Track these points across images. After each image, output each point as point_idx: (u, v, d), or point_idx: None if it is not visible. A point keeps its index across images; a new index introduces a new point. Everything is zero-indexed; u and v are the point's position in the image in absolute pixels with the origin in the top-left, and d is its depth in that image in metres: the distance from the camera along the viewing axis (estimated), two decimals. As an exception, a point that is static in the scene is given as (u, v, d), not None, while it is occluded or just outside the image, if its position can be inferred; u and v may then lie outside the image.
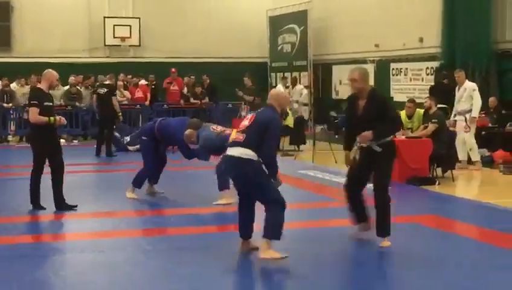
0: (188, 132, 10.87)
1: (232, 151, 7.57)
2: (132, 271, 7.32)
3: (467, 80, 15.31)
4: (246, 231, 7.78)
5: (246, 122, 7.69)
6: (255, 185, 7.49)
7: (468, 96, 14.98)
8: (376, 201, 8.05)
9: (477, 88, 15.07)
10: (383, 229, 8.03)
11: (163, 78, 24.41)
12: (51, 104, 10.44)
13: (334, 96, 25.44)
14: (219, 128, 11.02)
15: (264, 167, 7.46)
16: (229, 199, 10.74)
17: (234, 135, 10.85)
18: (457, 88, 15.30)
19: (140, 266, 7.49)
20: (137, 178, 11.51)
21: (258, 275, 7.29)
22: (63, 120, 10.50)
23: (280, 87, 23.20)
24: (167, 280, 7.02)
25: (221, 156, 8.02)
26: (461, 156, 15.00)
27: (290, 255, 7.42)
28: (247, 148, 7.44)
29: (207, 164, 11.57)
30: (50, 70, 10.49)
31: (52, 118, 10.15)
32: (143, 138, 11.72)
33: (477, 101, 14.96)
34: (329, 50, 25.37)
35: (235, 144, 7.59)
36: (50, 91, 10.60)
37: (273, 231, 7.36)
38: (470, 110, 14.83)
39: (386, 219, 8.03)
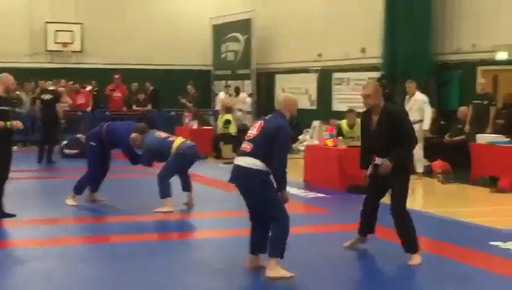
0: (133, 135, 10.97)
1: (240, 161, 7.13)
2: (69, 279, 7.23)
3: (418, 92, 15.53)
4: (257, 247, 7.38)
5: (253, 131, 7.19)
6: (261, 198, 7.10)
7: (418, 108, 15.20)
8: (394, 221, 7.78)
9: (428, 101, 15.32)
10: (408, 245, 7.75)
11: (105, 84, 24.23)
12: (7, 108, 10.23)
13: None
14: (163, 134, 11.14)
15: (273, 179, 7.07)
16: (170, 207, 10.72)
17: (179, 141, 10.95)
18: (406, 99, 15.51)
19: (77, 275, 7.39)
20: (78, 185, 11.37)
21: (197, 284, 7.26)
22: (20, 124, 10.29)
23: (222, 95, 23.27)
24: (103, 288, 6.95)
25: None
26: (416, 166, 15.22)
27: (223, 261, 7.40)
28: (255, 158, 7.00)
29: (148, 171, 11.52)
30: (5, 74, 10.29)
31: (8, 123, 9.95)
32: (91, 143, 11.54)
33: (429, 114, 15.21)
34: (272, 59, 25.48)
35: (243, 153, 7.12)
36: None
37: (277, 249, 7.03)
38: (418, 122, 15.01)
39: (409, 235, 7.74)
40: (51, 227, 9.96)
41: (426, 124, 15.17)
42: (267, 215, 7.15)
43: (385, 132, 7.67)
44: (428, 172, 15.59)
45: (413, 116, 15.19)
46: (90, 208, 11.29)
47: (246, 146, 7.14)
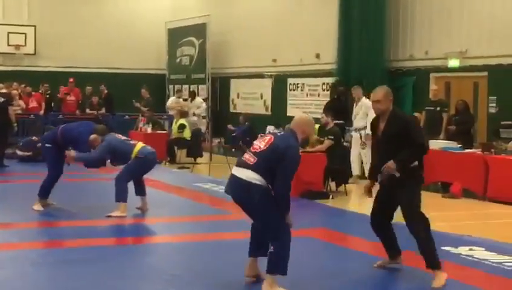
0: (92, 137, 10.91)
1: (240, 173, 6.70)
2: (20, 284, 7.14)
3: (364, 97, 15.65)
4: (255, 248, 7.06)
5: (261, 144, 6.78)
6: (261, 213, 6.73)
7: (365, 113, 15.33)
8: (413, 235, 7.32)
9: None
10: (430, 262, 7.25)
11: (58, 87, 23.97)
12: None
13: (231, 109, 25.56)
14: (123, 137, 11.22)
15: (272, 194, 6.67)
16: (124, 211, 10.66)
17: (140, 145, 10.90)
18: (354, 104, 15.63)
19: (28, 279, 7.31)
20: (42, 188, 11.24)
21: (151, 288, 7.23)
22: None
23: (172, 100, 23.18)
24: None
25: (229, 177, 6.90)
26: (355, 171, 15.34)
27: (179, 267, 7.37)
28: (256, 172, 6.60)
29: (100, 175, 11.44)
30: None
31: None
32: (46, 145, 11.41)
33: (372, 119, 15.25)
34: (227, 64, 25.50)
35: (244, 165, 6.70)
36: None
37: (280, 265, 6.64)
38: (365, 127, 15.13)
39: (429, 250, 7.26)
40: (3, 231, 9.82)
41: (369, 129, 15.22)
42: (265, 231, 6.81)
43: (391, 137, 7.31)
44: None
45: (358, 122, 15.39)
46: (43, 213, 11.14)
47: (249, 158, 6.73)
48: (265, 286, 6.71)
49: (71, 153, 10.82)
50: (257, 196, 6.61)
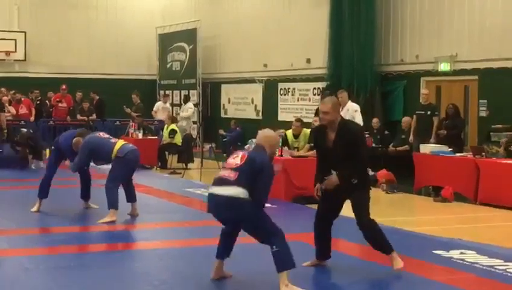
0: (75, 139, 11.05)
1: (224, 191, 6.84)
2: (11, 291, 7.12)
3: (349, 101, 15.65)
4: (224, 251, 7.30)
5: (237, 161, 6.90)
6: (256, 221, 6.93)
7: (350, 117, 15.29)
8: (366, 238, 7.73)
9: (359, 109, 15.39)
10: (384, 249, 7.71)
11: (48, 93, 23.90)
12: None
13: (222, 114, 25.56)
14: (106, 135, 11.32)
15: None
16: (113, 216, 10.64)
17: (120, 144, 10.85)
18: (341, 108, 15.57)
19: (20, 286, 7.27)
20: (41, 189, 11.41)
21: (142, 295, 7.20)
22: None
23: (158, 105, 23.16)
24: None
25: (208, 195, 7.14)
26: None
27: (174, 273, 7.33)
28: (240, 186, 6.75)
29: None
30: None
31: None
32: (52, 147, 11.85)
33: (359, 122, 15.26)
34: (218, 69, 25.53)
35: (226, 182, 6.84)
36: None
37: (288, 260, 6.84)
38: None
39: (383, 242, 7.68)
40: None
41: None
42: (260, 238, 7.02)
43: (341, 150, 7.46)
44: (373, 182, 15.71)
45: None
46: (33, 218, 11.10)
47: (230, 174, 6.84)
48: (281, 286, 6.79)
49: (67, 164, 11.19)
50: (248, 209, 6.80)
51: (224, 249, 7.30)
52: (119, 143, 10.97)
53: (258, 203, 6.87)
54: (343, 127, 7.56)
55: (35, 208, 11.33)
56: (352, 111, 15.34)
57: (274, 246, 6.81)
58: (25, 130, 18.65)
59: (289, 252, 6.86)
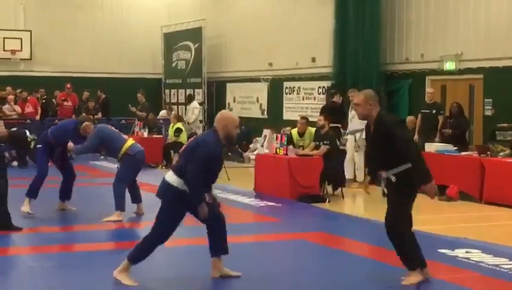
0: (85, 124, 11.03)
1: (167, 175, 7.07)
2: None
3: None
4: (210, 247, 7.38)
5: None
6: (160, 211, 7.14)
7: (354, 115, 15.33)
8: (391, 241, 7.26)
9: None
10: (406, 262, 7.24)
11: (54, 92, 23.94)
12: None
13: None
14: (116, 130, 11.37)
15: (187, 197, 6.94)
16: (120, 216, 10.68)
17: (131, 141, 10.91)
18: (350, 107, 15.61)
19: (24, 285, 7.29)
20: (31, 188, 11.25)
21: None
22: None
23: (163, 113, 23.28)
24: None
25: None
26: (349, 174, 15.34)
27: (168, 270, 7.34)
28: (174, 173, 6.95)
29: (94, 180, 11.43)
30: None
31: None
32: (38, 146, 11.66)
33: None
34: (223, 68, 25.52)
35: (172, 167, 7.19)
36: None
37: (137, 256, 7.15)
38: (361, 130, 15.15)
39: (406, 254, 7.19)
40: (-2, 237, 9.81)
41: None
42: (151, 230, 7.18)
43: (377, 145, 7.24)
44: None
45: (353, 125, 15.41)
46: (37, 217, 11.10)
47: (177, 160, 7.16)
48: (116, 271, 7.14)
49: (70, 145, 10.95)
50: (169, 195, 6.99)
51: (211, 245, 7.36)
52: (130, 141, 11.02)
53: (189, 193, 6.87)
54: (379, 121, 7.22)
55: (26, 208, 11.14)
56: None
57: (145, 238, 7.14)
58: (15, 128, 18.64)
59: (145, 252, 7.09)
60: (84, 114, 12.03)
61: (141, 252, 7.08)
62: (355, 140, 15.36)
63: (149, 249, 7.08)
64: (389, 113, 8.71)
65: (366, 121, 14.67)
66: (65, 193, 11.62)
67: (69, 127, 11.33)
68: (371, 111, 7.15)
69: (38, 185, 11.28)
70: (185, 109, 23.78)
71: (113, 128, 11.42)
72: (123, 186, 10.85)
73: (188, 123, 20.81)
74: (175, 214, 7.04)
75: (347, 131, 15.66)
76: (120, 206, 10.75)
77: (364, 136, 15.22)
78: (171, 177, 6.96)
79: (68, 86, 23.51)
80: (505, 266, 8.05)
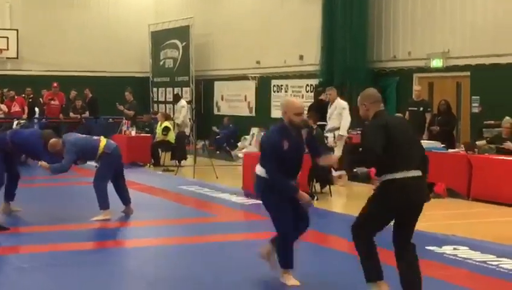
0: (53, 141, 10.65)
1: (256, 168, 7.10)
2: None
3: (338, 98, 15.68)
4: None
5: None
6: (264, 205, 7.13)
7: (338, 114, 15.35)
8: None
9: (347, 107, 15.42)
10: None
11: (41, 91, 23.86)
12: None
13: (216, 112, 25.57)
14: (82, 135, 11.27)
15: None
16: (108, 215, 10.66)
17: (104, 140, 10.84)
18: (329, 105, 15.64)
19: (13, 285, 7.26)
20: (6, 192, 11.10)
21: (136, 292, 7.22)
22: None
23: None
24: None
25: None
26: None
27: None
28: (260, 164, 7.05)
29: (79, 179, 11.38)
30: None
31: None
32: None
33: (346, 120, 15.29)
34: (211, 66, 25.51)
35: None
36: None
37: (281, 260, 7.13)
38: (336, 128, 15.23)
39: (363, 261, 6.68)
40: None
41: (343, 130, 15.29)
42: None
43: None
44: (367, 178, 15.70)
45: (332, 123, 15.42)
46: (23, 217, 11.04)
47: None
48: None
49: (45, 165, 10.53)
50: (260, 188, 7.03)
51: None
52: (103, 139, 10.96)
53: (271, 180, 6.90)
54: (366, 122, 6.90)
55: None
56: (340, 108, 15.38)
57: (276, 240, 7.15)
58: None
59: (286, 251, 7.05)
60: (48, 130, 11.53)
61: (284, 254, 7.01)
62: (334, 137, 15.40)
63: (286, 246, 7.00)
64: (392, 114, 8.34)
65: (343, 119, 14.65)
66: (10, 194, 11.24)
67: (32, 138, 10.91)
68: (367, 112, 6.69)
69: (10, 189, 11.10)
70: (173, 107, 23.73)
71: (78, 134, 11.28)
72: (104, 184, 10.81)
73: (177, 124, 20.78)
74: (277, 201, 6.95)
75: (326, 129, 15.62)
76: (104, 204, 10.71)
77: (342, 133, 15.32)
78: (258, 168, 7.03)
79: (55, 84, 23.44)
80: (493, 263, 8.08)
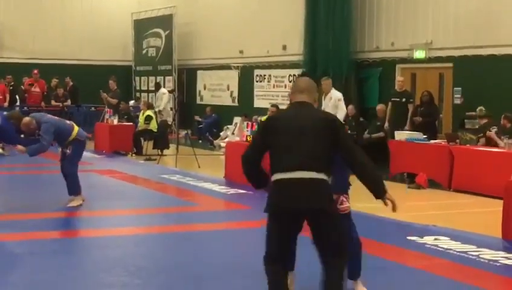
0: (26, 120, 10.53)
1: None
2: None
3: (333, 89, 15.69)
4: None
5: None
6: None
7: (333, 105, 15.36)
8: None
9: (342, 98, 15.50)
10: None
11: (23, 79, 23.71)
12: None
13: (198, 101, 25.52)
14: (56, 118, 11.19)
15: None
16: (80, 200, 10.65)
17: (77, 127, 10.73)
18: (323, 96, 15.62)
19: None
20: None
21: (113, 282, 7.17)
22: None
23: (133, 103, 23.17)
24: (15, 284, 6.81)
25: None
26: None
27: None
28: None
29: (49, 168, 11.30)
30: None
31: None
32: None
33: (342, 111, 15.37)
34: (194, 55, 25.43)
35: None
36: None
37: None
38: None
39: None
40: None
41: None
42: None
43: None
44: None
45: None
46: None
47: None
48: None
49: (21, 148, 10.48)
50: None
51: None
52: (76, 126, 10.90)
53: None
54: None
55: None
56: (335, 100, 15.39)
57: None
58: None
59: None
60: (14, 110, 11.49)
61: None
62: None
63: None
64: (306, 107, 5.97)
65: (339, 110, 14.67)
66: None
67: (1, 122, 10.75)
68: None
69: None
70: (155, 96, 23.65)
71: (49, 115, 11.11)
72: (76, 170, 10.77)
73: (159, 111, 20.69)
74: None
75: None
76: (78, 189, 10.74)
77: None
78: None
79: (35, 71, 23.32)
80: (473, 253, 8.12)
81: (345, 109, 15.53)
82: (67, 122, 11.09)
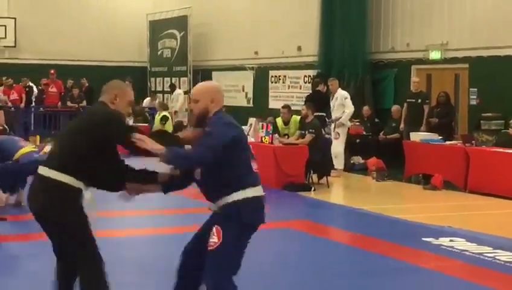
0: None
1: None
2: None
3: (339, 89, 15.75)
4: None
5: None
6: None
7: (340, 104, 15.42)
8: None
9: (349, 96, 15.56)
10: None
11: (39, 80, 23.83)
12: None
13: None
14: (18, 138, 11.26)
15: None
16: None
17: (26, 150, 10.58)
18: (331, 96, 15.72)
19: (12, 270, 7.26)
20: None
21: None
22: None
23: (147, 101, 23.17)
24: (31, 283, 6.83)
25: None
26: (339, 165, 15.41)
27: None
28: None
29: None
30: None
31: None
32: None
33: (349, 108, 15.43)
34: (209, 56, 25.45)
35: None
36: None
37: None
38: (340, 118, 15.33)
39: None
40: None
41: (345, 119, 15.41)
42: None
43: None
44: (363, 169, 15.76)
45: (335, 114, 15.51)
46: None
47: None
48: None
49: None
50: None
51: None
52: (27, 148, 10.65)
53: None
54: None
55: None
56: (341, 98, 15.46)
57: None
58: None
59: None
60: None
61: None
62: (334, 127, 15.46)
63: None
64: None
65: (346, 108, 14.71)
66: None
67: None
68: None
69: None
70: (170, 97, 23.71)
71: (14, 137, 11.29)
72: None
73: (175, 112, 20.72)
74: None
75: (330, 120, 15.73)
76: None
77: (344, 122, 15.46)
78: None
79: (52, 72, 23.43)
80: (489, 255, 8.09)
81: (352, 106, 15.55)
82: (22, 143, 10.80)
